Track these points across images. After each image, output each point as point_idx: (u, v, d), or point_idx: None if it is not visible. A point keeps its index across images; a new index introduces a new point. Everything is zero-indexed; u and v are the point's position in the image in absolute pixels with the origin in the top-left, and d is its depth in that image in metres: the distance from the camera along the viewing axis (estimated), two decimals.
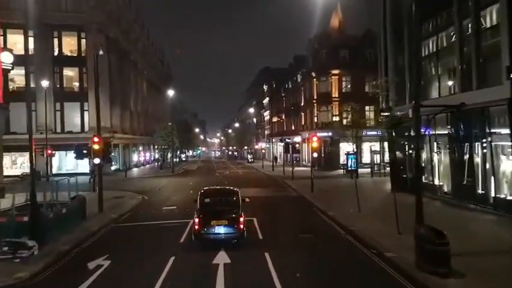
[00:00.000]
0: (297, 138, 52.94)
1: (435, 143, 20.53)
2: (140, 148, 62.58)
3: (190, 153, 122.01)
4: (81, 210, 15.61)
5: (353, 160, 39.13)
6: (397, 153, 24.09)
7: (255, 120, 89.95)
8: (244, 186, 28.40)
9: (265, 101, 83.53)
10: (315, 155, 24.77)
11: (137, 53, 58.62)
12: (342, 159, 43.96)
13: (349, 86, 44.79)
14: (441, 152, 20.38)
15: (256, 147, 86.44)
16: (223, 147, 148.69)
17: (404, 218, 12.45)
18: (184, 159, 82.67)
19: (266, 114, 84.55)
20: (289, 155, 46.86)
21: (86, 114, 42.63)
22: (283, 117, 64.53)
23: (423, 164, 22.25)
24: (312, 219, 16.46)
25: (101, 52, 19.08)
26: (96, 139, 17.69)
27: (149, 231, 14.70)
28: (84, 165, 43.30)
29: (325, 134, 44.52)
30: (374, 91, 12.10)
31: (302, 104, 52.00)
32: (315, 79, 45.28)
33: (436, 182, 20.76)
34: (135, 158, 58.42)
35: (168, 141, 51.66)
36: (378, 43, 25.44)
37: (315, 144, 23.99)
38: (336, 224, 14.96)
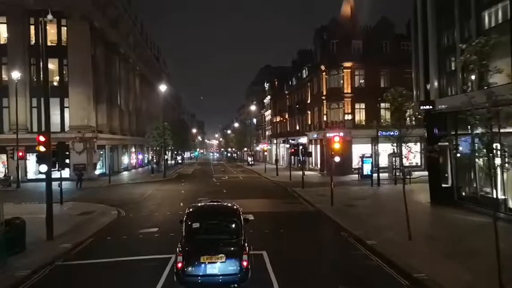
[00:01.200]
0: (303, 139, 48.12)
1: (497, 145, 15.83)
2: (133, 150, 57.73)
3: (188, 155, 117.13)
4: (13, 240, 10.75)
5: (368, 164, 34.48)
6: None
7: (255, 120, 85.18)
8: (247, 196, 23.63)
9: (267, 99, 78.76)
10: (337, 159, 19.90)
11: (128, 46, 53.80)
12: (355, 162, 39.28)
13: (362, 81, 40.06)
14: (506, 155, 15.67)
15: (257, 148, 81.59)
16: (222, 149, 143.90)
17: (472, 246, 8.63)
18: (180, 161, 77.65)
19: (267, 114, 79.76)
20: (295, 157, 42.06)
21: (66, 111, 37.70)
22: (287, 116, 59.74)
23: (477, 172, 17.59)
24: (347, 253, 11.59)
25: (49, 17, 14.26)
26: (42, 138, 12.88)
27: (107, 276, 9.81)
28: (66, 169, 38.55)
29: (336, 134, 39.69)
30: (468, 59, 7.39)
31: (309, 101, 47.20)
32: (324, 73, 40.49)
33: (499, 195, 16.00)
34: (126, 160, 53.57)
35: (160, 142, 46.85)
36: (413, 23, 20.63)
37: (337, 146, 19.15)
38: (387, 263, 10.09)
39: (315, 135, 43.35)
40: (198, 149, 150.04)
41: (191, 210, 9.18)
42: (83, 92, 37.32)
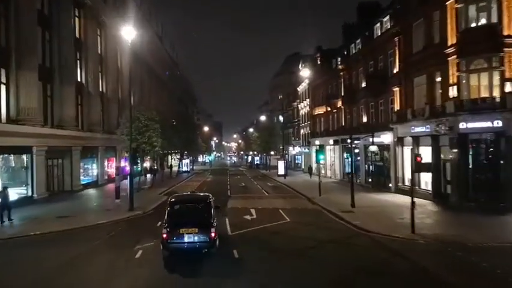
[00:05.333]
0: (385, 137, 27.88)
1: None
2: (111, 155, 38.70)
3: (202, 159, 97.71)
4: None
5: None
6: None
7: (281, 118, 65.22)
8: None
9: (301, 87, 58.61)
10: None
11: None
12: None
13: None
14: None
15: (293, 152, 61.26)
16: (242, 152, 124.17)
17: None
18: (187, 169, 57.86)
19: (302, 107, 59.56)
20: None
21: None
22: (340, 104, 39.39)
23: None
24: None
25: None
26: None
27: None
28: None
29: (482, 124, 19.28)
30: None
31: (396, 70, 26.86)
32: (449, 1, 20.15)
33: None
34: (94, 171, 34.58)
35: (141, 141, 27.53)
36: None
37: None
38: None
39: (423, 129, 22.81)
40: (214, 153, 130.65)
41: (173, 199, 12.65)
42: None
